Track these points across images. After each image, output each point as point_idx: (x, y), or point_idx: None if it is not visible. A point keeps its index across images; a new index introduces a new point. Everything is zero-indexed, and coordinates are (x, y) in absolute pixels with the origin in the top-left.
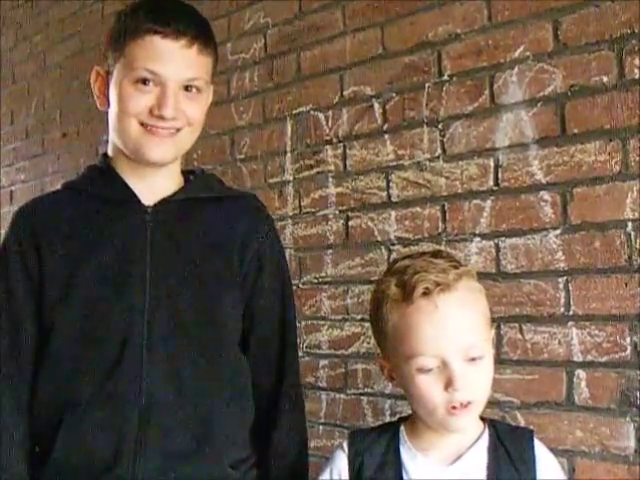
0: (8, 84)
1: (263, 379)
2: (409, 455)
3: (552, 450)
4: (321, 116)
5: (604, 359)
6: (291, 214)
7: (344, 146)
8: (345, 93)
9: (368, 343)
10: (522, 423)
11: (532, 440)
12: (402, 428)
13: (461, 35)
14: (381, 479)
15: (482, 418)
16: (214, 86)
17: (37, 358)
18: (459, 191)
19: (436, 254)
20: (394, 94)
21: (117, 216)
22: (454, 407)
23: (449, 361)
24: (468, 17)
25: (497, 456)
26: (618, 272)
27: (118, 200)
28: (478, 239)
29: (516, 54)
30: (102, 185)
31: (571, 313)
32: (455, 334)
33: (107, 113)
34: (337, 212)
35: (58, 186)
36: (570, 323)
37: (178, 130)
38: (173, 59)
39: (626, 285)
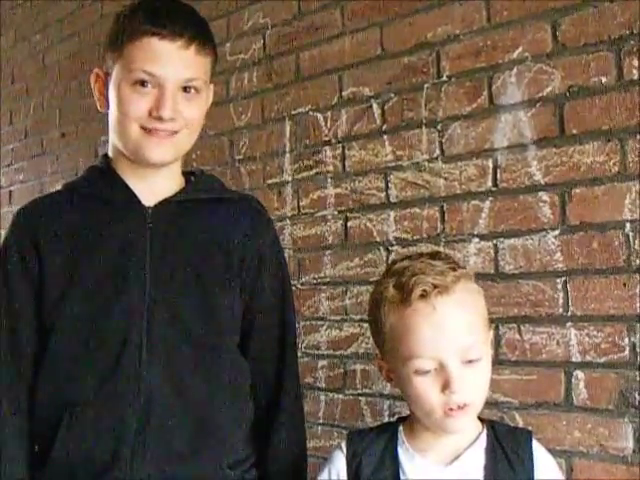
0: (7, 84)
1: (262, 380)
2: (407, 456)
3: (550, 451)
4: (320, 117)
5: (602, 360)
6: (290, 215)
7: (343, 147)
8: (344, 94)
9: (367, 344)
10: (520, 424)
11: (530, 441)
12: (400, 428)
13: (460, 36)
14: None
15: (481, 419)
16: (213, 86)
17: (37, 358)
18: (458, 192)
19: (434, 255)
20: (393, 95)
21: (117, 217)
22: (451, 409)
23: (446, 363)
24: (467, 18)
25: (495, 457)
26: (616, 273)
27: (118, 201)
28: (477, 240)
29: (515, 55)
30: (102, 186)
31: (569, 314)
32: (452, 336)
33: (107, 114)
34: (336, 213)
35: (57, 186)
36: (568, 324)
37: (177, 132)
38: (170, 60)
39: (624, 286)
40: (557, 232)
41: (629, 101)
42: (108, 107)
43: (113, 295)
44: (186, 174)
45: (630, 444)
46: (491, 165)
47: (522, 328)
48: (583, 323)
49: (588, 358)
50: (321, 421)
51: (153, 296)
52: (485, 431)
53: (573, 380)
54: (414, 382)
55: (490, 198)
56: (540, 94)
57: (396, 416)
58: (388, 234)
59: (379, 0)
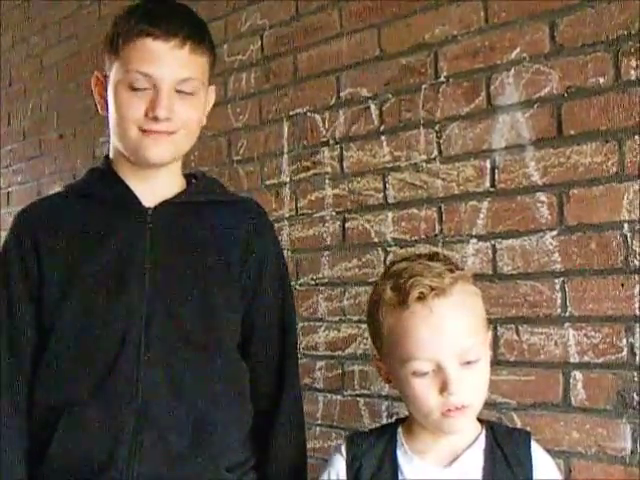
0: (5, 85)
1: (263, 382)
2: (405, 458)
3: (548, 451)
4: (318, 118)
5: (600, 360)
6: (288, 215)
7: (341, 148)
8: (342, 95)
9: (365, 344)
10: (518, 424)
11: (529, 442)
12: (399, 430)
13: (457, 37)
14: None
15: (479, 420)
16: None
17: (36, 359)
18: (456, 192)
19: (432, 257)
20: (390, 96)
21: (118, 217)
22: (449, 410)
23: (444, 365)
24: (464, 19)
25: (494, 458)
26: (614, 273)
27: (119, 202)
28: (474, 240)
29: (512, 56)
30: (103, 187)
31: (567, 314)
32: (450, 338)
33: (105, 116)
34: (334, 213)
35: (55, 188)
36: (566, 324)
37: (174, 132)
38: (165, 60)
39: (622, 286)
40: (555, 233)
41: (627, 102)
42: (108, 110)
43: (112, 295)
44: (187, 176)
45: (628, 445)
46: (489, 166)
47: (520, 329)
48: (581, 324)
49: (586, 359)
50: (319, 422)
51: (152, 296)
52: (484, 432)
53: (571, 381)
54: (412, 384)
55: (488, 199)
56: (538, 95)
57: (394, 417)
58: (386, 235)
59: (377, 1)
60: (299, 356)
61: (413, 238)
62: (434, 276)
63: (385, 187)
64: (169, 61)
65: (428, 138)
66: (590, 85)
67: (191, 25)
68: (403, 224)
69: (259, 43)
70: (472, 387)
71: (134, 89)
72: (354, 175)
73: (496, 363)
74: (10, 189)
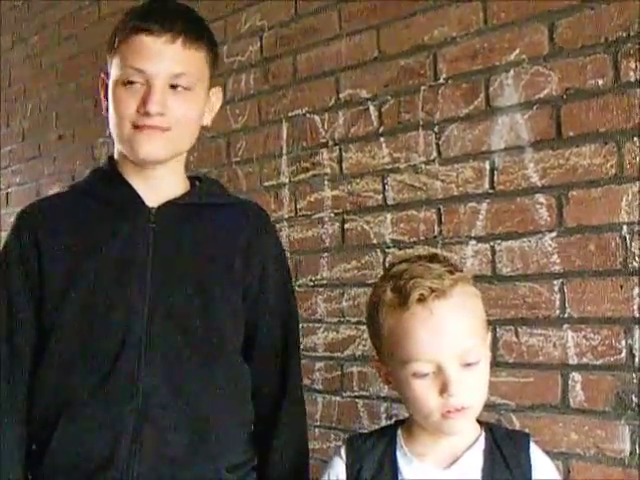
0: (4, 86)
1: (265, 384)
2: (405, 460)
3: (547, 453)
4: (317, 119)
5: (599, 362)
6: (287, 217)
7: (340, 149)
8: (341, 96)
9: (364, 346)
10: (517, 426)
11: (528, 444)
12: (399, 432)
13: (457, 38)
14: None
15: (479, 421)
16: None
17: (36, 359)
18: (455, 194)
19: (432, 258)
20: (390, 97)
21: (120, 217)
22: (449, 411)
23: (444, 366)
24: (464, 20)
25: (493, 459)
26: (613, 275)
27: (122, 201)
28: (474, 242)
29: (512, 57)
30: (106, 186)
31: (566, 316)
32: (450, 340)
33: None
34: (333, 215)
35: (54, 189)
36: (565, 326)
37: (168, 129)
38: (157, 55)
39: (621, 288)
40: (554, 234)
41: (626, 103)
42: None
43: (114, 295)
44: (191, 179)
45: (627, 446)
46: (488, 167)
47: (519, 330)
48: (580, 325)
49: (585, 360)
50: (318, 423)
51: (154, 296)
52: (483, 434)
53: (570, 382)
54: (412, 385)
55: (487, 200)
56: (537, 96)
57: (394, 419)
58: (385, 236)
59: (376, 2)
60: None
61: (412, 239)
62: (434, 277)
63: (384, 188)
64: (162, 56)
65: (427, 139)
66: (589, 87)
67: (185, 20)
68: (402, 225)
69: (258, 44)
70: (472, 388)
71: (128, 86)
72: (353, 176)
73: (495, 365)
74: (9, 190)
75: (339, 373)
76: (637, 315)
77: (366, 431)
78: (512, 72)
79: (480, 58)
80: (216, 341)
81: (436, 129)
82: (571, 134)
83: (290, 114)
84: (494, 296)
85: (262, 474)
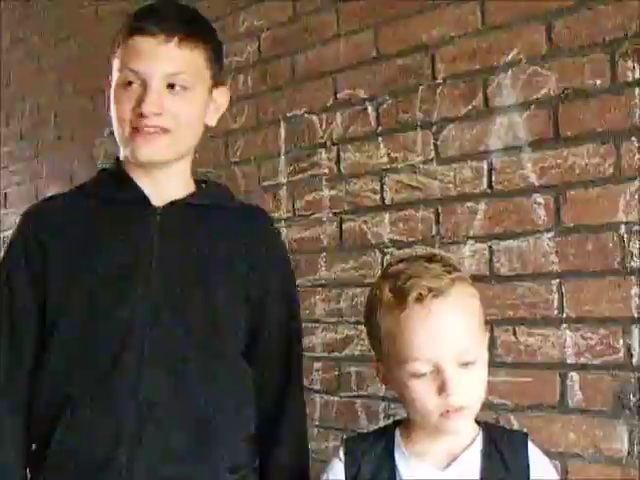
0: (3, 86)
1: (267, 386)
2: (403, 460)
3: (545, 452)
4: (315, 119)
5: (597, 361)
6: (285, 217)
7: (338, 149)
8: (339, 96)
9: (362, 346)
10: (515, 426)
11: (526, 444)
12: (397, 432)
13: (455, 38)
14: None
15: (477, 421)
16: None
17: (38, 357)
18: (452, 194)
19: (431, 258)
20: (388, 97)
21: (125, 216)
22: (447, 411)
23: (442, 366)
24: (461, 20)
25: (491, 459)
26: (611, 275)
27: (128, 201)
28: (472, 242)
29: (509, 57)
30: (112, 186)
31: (564, 315)
32: (448, 339)
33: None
34: (331, 215)
35: (52, 189)
36: (563, 325)
37: (167, 129)
38: (153, 55)
39: (619, 287)
40: (552, 234)
41: (623, 103)
42: None
43: (117, 294)
44: (197, 182)
45: (625, 446)
46: (486, 167)
47: (517, 330)
48: (578, 325)
49: (583, 360)
50: (316, 423)
51: (157, 296)
52: (481, 433)
53: (568, 382)
54: (410, 385)
55: (485, 200)
56: (535, 96)
57: (392, 419)
58: (383, 236)
59: (374, 2)
60: None
61: (410, 239)
62: (432, 277)
63: (382, 188)
64: (157, 56)
65: (425, 139)
66: (587, 87)
67: (182, 20)
68: (400, 225)
69: (256, 44)
70: (470, 388)
71: (126, 88)
72: (351, 176)
73: (493, 364)
74: (7, 190)
75: (337, 373)
76: (635, 314)
77: (364, 431)
78: (510, 72)
79: (478, 58)
80: (219, 342)
81: (434, 129)
82: (569, 134)
83: (288, 114)
84: (492, 296)
85: (263, 475)
